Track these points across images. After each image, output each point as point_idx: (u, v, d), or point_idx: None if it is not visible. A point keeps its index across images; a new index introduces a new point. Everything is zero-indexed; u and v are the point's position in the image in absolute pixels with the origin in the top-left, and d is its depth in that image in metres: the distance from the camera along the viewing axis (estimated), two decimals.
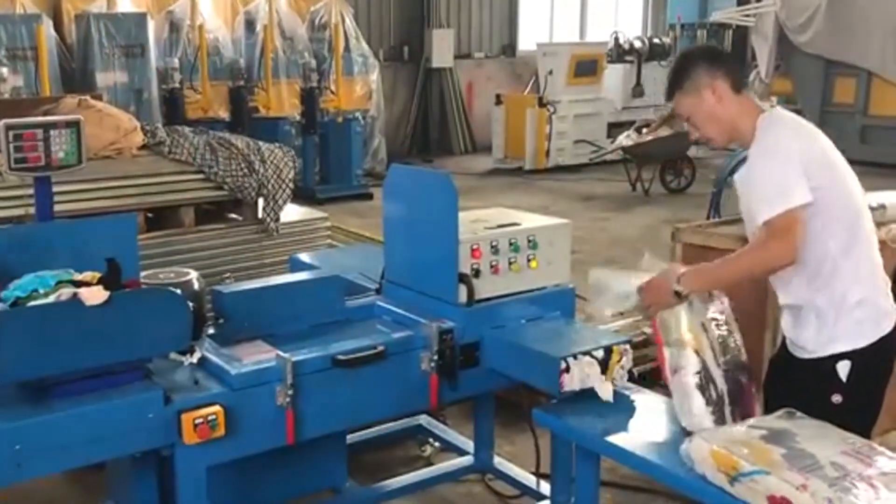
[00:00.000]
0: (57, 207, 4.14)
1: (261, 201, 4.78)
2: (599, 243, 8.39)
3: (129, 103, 9.24)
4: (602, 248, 8.21)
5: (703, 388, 2.51)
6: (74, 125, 3.13)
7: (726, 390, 2.55)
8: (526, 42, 15.24)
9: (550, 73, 12.28)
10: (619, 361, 2.88)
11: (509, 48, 15.43)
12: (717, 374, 2.55)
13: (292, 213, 5.15)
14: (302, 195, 9.92)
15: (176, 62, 9.88)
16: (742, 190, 2.69)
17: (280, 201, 4.79)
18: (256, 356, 2.84)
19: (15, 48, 8.70)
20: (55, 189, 4.13)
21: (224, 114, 10.28)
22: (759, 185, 2.51)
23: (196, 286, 3.14)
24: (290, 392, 2.66)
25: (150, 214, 4.68)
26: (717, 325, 2.61)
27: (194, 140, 4.68)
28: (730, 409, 2.54)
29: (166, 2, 10.55)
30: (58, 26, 9.68)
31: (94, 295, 2.34)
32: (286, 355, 2.67)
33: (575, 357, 2.80)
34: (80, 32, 9.40)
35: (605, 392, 2.80)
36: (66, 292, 2.36)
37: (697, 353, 2.53)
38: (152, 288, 2.74)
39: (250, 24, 11.12)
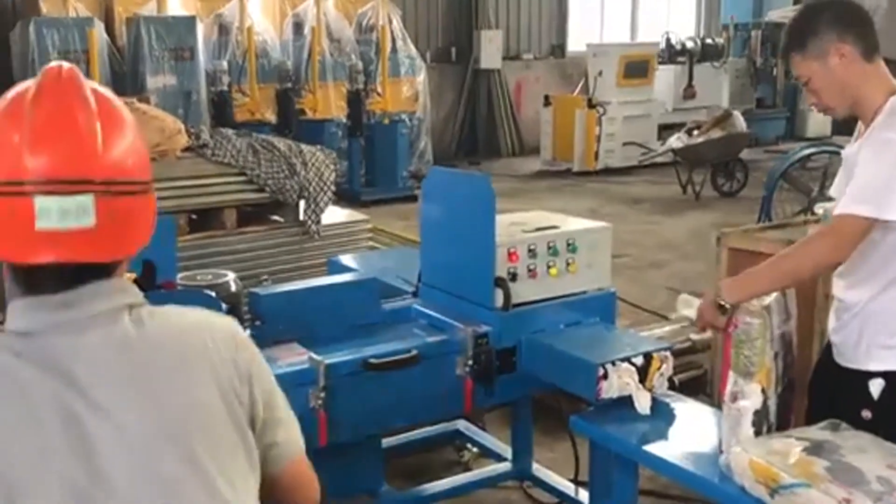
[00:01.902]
0: None
1: (302, 203, 4.81)
2: (647, 247, 8.28)
3: (178, 106, 9.38)
4: (650, 252, 8.10)
5: (757, 424, 2.41)
6: None
7: (776, 419, 2.46)
8: (575, 43, 15.14)
9: (600, 74, 12.18)
10: (658, 369, 2.83)
11: (558, 49, 15.35)
12: (772, 405, 2.45)
13: (334, 215, 5.18)
14: (347, 197, 9.99)
15: (224, 65, 10.01)
16: (845, 168, 2.43)
17: (321, 204, 4.82)
18: (290, 358, 2.85)
19: (67, 51, 8.89)
20: None
21: (271, 116, 10.39)
22: (860, 176, 2.26)
23: (233, 288, 3.17)
24: (322, 394, 2.66)
25: (193, 216, 4.75)
26: (785, 342, 2.50)
27: (237, 142, 4.73)
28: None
29: (216, 5, 10.70)
30: (109, 29, 9.87)
31: None
32: (319, 357, 2.68)
33: (613, 364, 2.76)
34: (131, 35, 9.58)
35: (643, 401, 2.75)
36: None
37: (763, 389, 2.37)
38: (187, 290, 2.76)
39: (298, 27, 11.22)
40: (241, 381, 1.40)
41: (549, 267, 3.05)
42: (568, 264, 3.10)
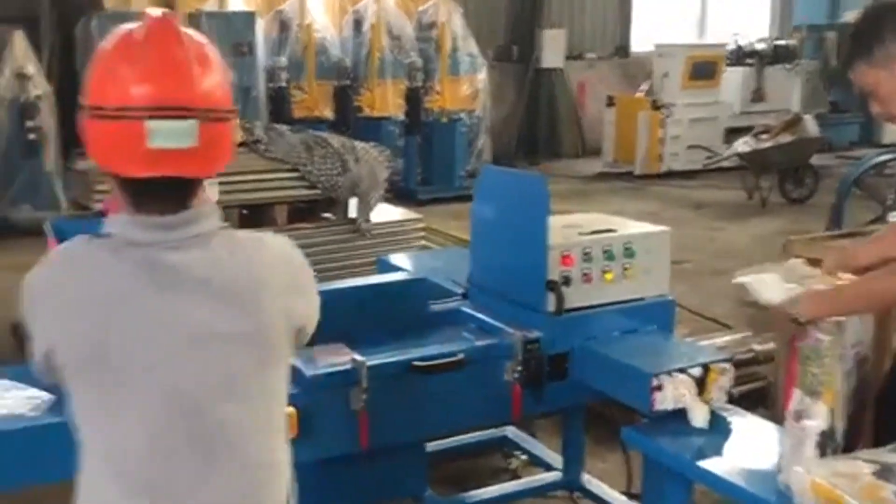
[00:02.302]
0: None
1: (354, 201, 4.79)
2: (709, 253, 8.08)
3: (237, 101, 9.35)
4: (712, 258, 7.91)
5: (822, 446, 2.28)
6: None
7: (843, 441, 2.33)
8: (640, 43, 14.91)
9: (666, 75, 11.97)
10: (717, 381, 2.73)
11: (623, 49, 15.13)
12: (840, 427, 2.32)
13: (386, 213, 5.14)
14: (403, 196, 9.94)
15: (283, 61, 10.07)
16: None
17: (373, 201, 4.79)
18: (333, 358, 2.81)
19: None
20: None
21: (329, 113, 10.42)
22: None
23: None
24: (364, 396, 2.62)
25: (245, 211, 4.76)
26: (857, 361, 2.37)
27: (290, 138, 4.73)
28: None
29: (276, 1, 10.78)
30: None
31: None
32: (361, 358, 2.64)
33: (669, 374, 2.67)
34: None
35: (700, 416, 2.64)
36: None
37: (831, 410, 2.24)
38: None
39: (358, 24, 11.24)
40: (297, 299, 1.71)
41: (604, 271, 2.98)
42: (624, 269, 3.01)
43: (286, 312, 1.66)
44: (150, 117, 1.46)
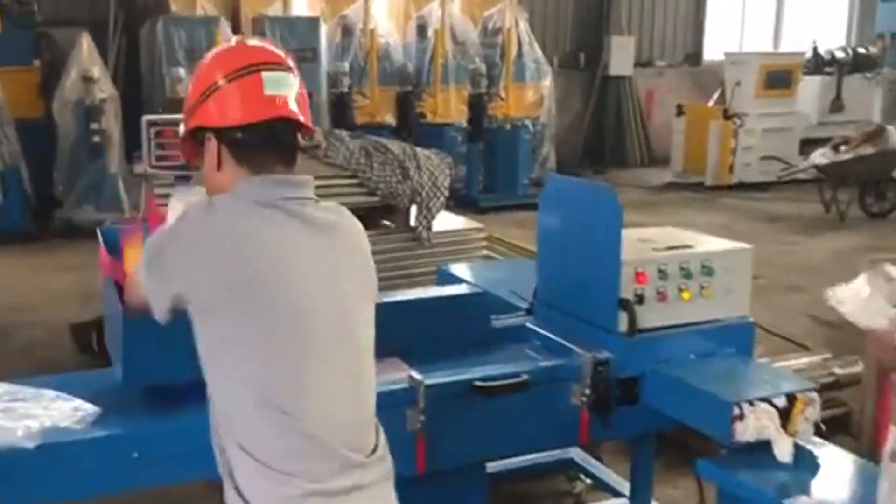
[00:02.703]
0: None
1: (414, 209, 4.68)
2: (784, 268, 7.79)
3: None
4: (787, 274, 7.61)
5: None
6: None
7: None
8: (712, 51, 14.59)
9: (738, 83, 11.66)
10: (803, 412, 2.53)
11: (693, 57, 14.83)
12: None
13: (448, 222, 5.02)
14: (464, 203, 9.92)
15: (346, 66, 10.07)
16: None
17: (434, 209, 4.67)
18: (390, 375, 2.69)
19: (193, 49, 9.10)
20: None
21: (391, 119, 10.38)
22: None
23: None
24: (421, 417, 2.49)
25: None
26: None
27: (350, 144, 4.64)
28: None
29: (340, 6, 10.78)
30: (235, 29, 10.08)
31: None
32: (419, 377, 2.51)
33: (751, 403, 2.49)
34: (256, 35, 9.73)
35: (784, 449, 2.46)
36: None
37: None
38: None
39: (422, 29, 11.20)
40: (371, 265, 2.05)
41: (680, 290, 2.80)
42: (702, 288, 2.83)
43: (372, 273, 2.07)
44: (266, 70, 1.82)
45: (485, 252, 5.08)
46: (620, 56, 13.47)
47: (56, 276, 6.93)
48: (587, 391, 2.68)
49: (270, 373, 1.76)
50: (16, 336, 5.92)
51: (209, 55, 1.95)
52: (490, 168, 10.59)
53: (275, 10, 10.16)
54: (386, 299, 3.09)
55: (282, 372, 1.77)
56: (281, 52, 1.92)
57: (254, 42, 1.98)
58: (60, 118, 8.76)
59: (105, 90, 8.76)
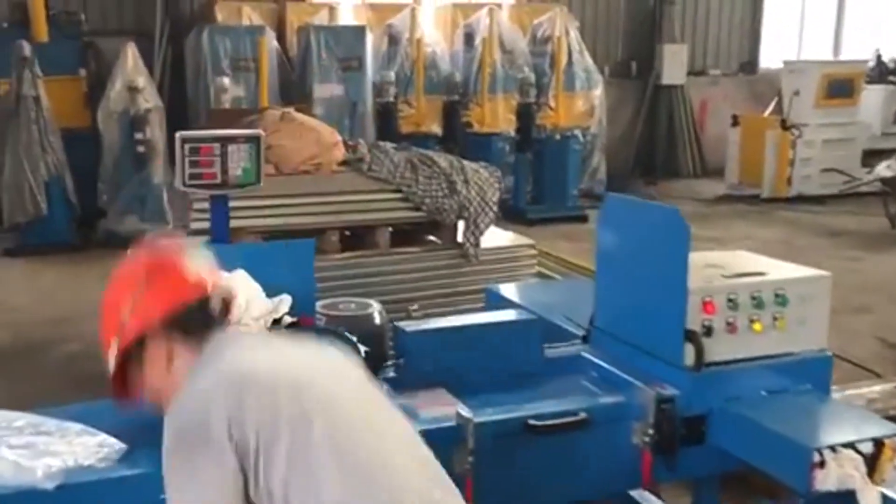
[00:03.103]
0: (250, 223, 4.12)
1: (461, 224, 4.51)
2: (848, 287, 7.44)
3: (344, 116, 9.39)
4: (851, 292, 7.27)
5: None
6: (254, 140, 2.96)
7: None
8: (769, 59, 14.22)
9: (797, 93, 11.29)
10: (891, 459, 2.31)
11: (749, 65, 14.47)
12: None
13: (496, 238, 4.84)
14: (512, 215, 9.77)
15: (392, 76, 9.96)
16: None
17: (482, 225, 4.50)
18: (435, 409, 2.52)
19: (238, 59, 9.06)
20: (250, 203, 4.10)
21: (437, 129, 10.25)
22: None
23: (377, 320, 2.88)
24: (470, 459, 2.31)
25: (347, 233, 4.55)
26: None
27: (395, 157, 4.49)
28: None
29: (386, 15, 10.68)
30: (281, 38, 10.03)
31: None
32: (468, 413, 2.33)
33: (833, 449, 2.26)
34: (301, 45, 9.68)
35: (871, 500, 2.24)
36: None
37: None
38: (321, 328, 2.48)
39: (469, 38, 11.05)
40: None
41: (751, 321, 2.60)
42: (775, 319, 2.62)
43: None
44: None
45: (535, 269, 4.89)
46: (673, 64, 13.20)
47: (97, 288, 6.79)
48: (650, 430, 2.49)
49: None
50: (54, 349, 5.86)
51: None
52: (538, 179, 10.39)
53: (320, 19, 10.09)
54: (430, 325, 2.94)
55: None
56: None
57: None
58: (105, 128, 8.76)
59: (150, 100, 8.74)
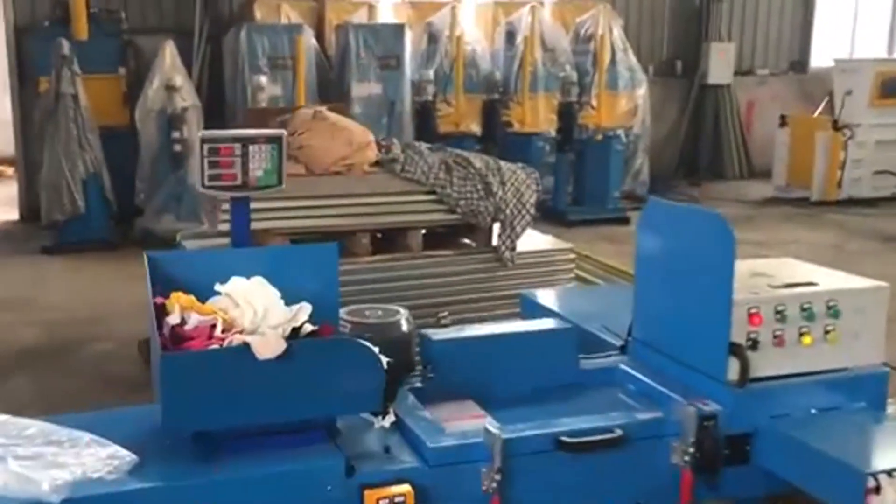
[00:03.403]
0: (277, 224, 4.03)
1: (496, 227, 4.38)
2: None
3: (382, 115, 9.31)
4: None
5: None
6: (276, 141, 2.87)
7: None
8: (820, 57, 13.87)
9: (849, 92, 10.97)
10: None
11: (799, 64, 14.12)
12: None
13: (533, 241, 4.70)
14: (551, 216, 9.65)
15: (430, 74, 9.85)
16: None
17: (518, 228, 4.37)
18: (462, 423, 2.41)
19: (276, 58, 9.01)
20: (278, 204, 4.01)
21: (476, 128, 10.14)
22: None
23: (404, 328, 2.76)
24: (497, 477, 2.20)
25: (379, 235, 4.45)
26: None
27: (429, 158, 4.38)
28: None
29: (426, 13, 10.58)
30: (320, 37, 9.97)
31: (268, 345, 2.00)
32: (496, 430, 2.21)
33: (890, 474, 2.11)
34: (339, 43, 9.61)
35: None
36: (238, 338, 2.05)
37: None
38: (340, 339, 2.37)
39: (510, 36, 10.90)
40: None
41: (801, 334, 2.46)
42: (827, 332, 2.47)
43: None
44: None
45: (574, 273, 4.75)
46: (720, 63, 12.92)
47: (131, 287, 6.81)
48: (691, 449, 2.35)
49: None
50: (87, 348, 5.85)
51: None
52: (579, 180, 10.22)
53: (359, 17, 10.00)
54: (458, 334, 2.82)
55: None
56: None
57: None
58: (143, 126, 8.78)
59: (187, 99, 8.73)
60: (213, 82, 9.88)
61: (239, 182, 2.85)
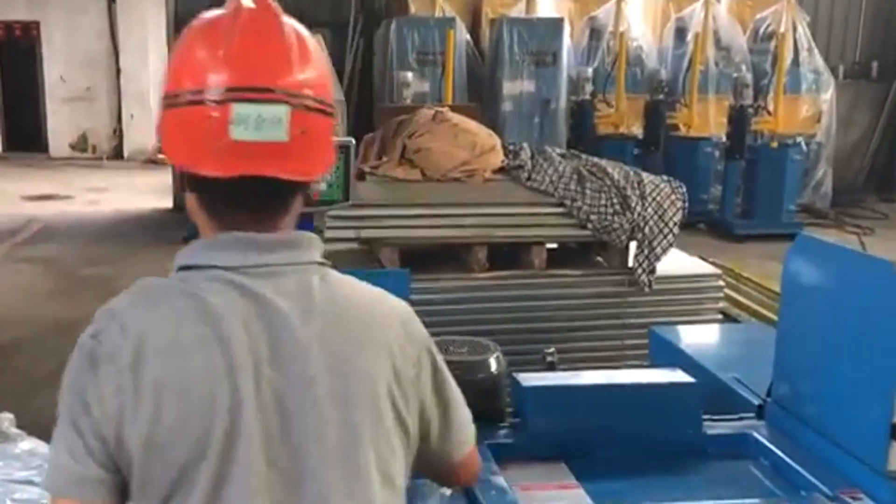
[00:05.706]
0: (389, 234, 3.77)
1: (633, 246, 3.94)
2: None
3: (534, 114, 8.98)
4: None
5: None
6: (343, 150, 2.57)
7: None
8: None
9: None
10: None
11: None
12: None
13: (677, 263, 4.21)
14: (717, 228, 9.23)
15: (589, 72, 9.45)
16: None
17: (659, 249, 3.91)
18: (544, 493, 2.03)
19: (426, 52, 8.82)
20: (389, 212, 3.76)
21: (637, 130, 9.65)
22: None
23: (493, 367, 2.39)
24: None
25: (504, 248, 4.10)
26: None
27: (560, 166, 3.98)
28: None
29: (590, 6, 10.13)
30: (475, 31, 9.72)
31: None
32: None
33: None
34: (493, 37, 9.33)
35: None
36: None
37: None
38: None
39: (681, 33, 10.33)
40: (412, 377, 1.37)
41: None
42: None
43: (401, 386, 1.35)
44: (234, 100, 1.23)
45: (721, 305, 4.23)
46: None
47: None
48: None
49: None
50: None
51: (193, 27, 1.31)
52: (750, 190, 9.54)
53: (518, 11, 9.69)
54: (558, 380, 2.42)
55: None
56: (291, 57, 1.26)
57: (261, 26, 1.27)
58: None
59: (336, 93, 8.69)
60: (364, 76, 9.82)
61: None
